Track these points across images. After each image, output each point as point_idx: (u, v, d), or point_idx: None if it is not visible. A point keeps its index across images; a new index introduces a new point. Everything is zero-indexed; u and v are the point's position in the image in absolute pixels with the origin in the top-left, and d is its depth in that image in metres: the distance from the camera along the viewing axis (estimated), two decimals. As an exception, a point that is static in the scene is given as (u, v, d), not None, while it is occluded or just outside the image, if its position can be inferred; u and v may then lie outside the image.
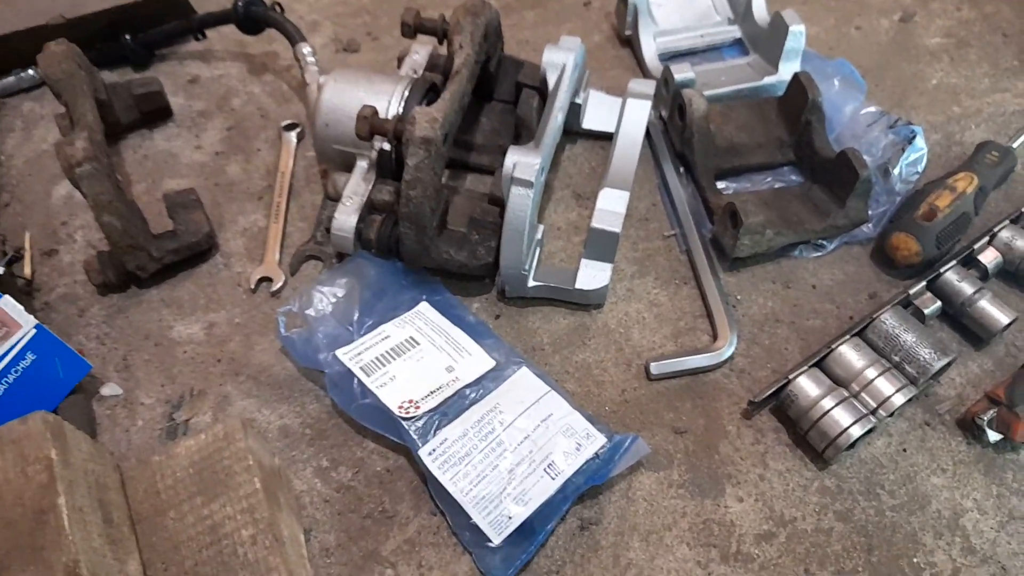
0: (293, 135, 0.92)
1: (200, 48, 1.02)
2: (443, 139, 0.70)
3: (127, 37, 0.97)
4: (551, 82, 0.78)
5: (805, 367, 0.68)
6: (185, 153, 0.92)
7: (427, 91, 0.80)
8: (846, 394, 0.66)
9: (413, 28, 0.79)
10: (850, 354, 0.68)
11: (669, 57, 0.94)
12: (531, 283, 0.75)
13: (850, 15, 0.99)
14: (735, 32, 0.95)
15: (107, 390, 0.72)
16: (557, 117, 0.76)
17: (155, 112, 0.94)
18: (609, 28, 1.00)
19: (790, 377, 0.67)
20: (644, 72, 0.94)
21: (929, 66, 0.93)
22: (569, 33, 1.00)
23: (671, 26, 0.95)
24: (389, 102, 0.77)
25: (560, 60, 0.78)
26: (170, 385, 0.73)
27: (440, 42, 0.81)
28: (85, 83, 0.85)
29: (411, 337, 0.72)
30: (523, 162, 0.70)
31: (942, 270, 0.73)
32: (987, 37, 0.96)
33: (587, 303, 0.77)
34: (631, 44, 0.96)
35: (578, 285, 0.75)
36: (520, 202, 0.69)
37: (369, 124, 0.71)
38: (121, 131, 0.93)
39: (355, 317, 0.74)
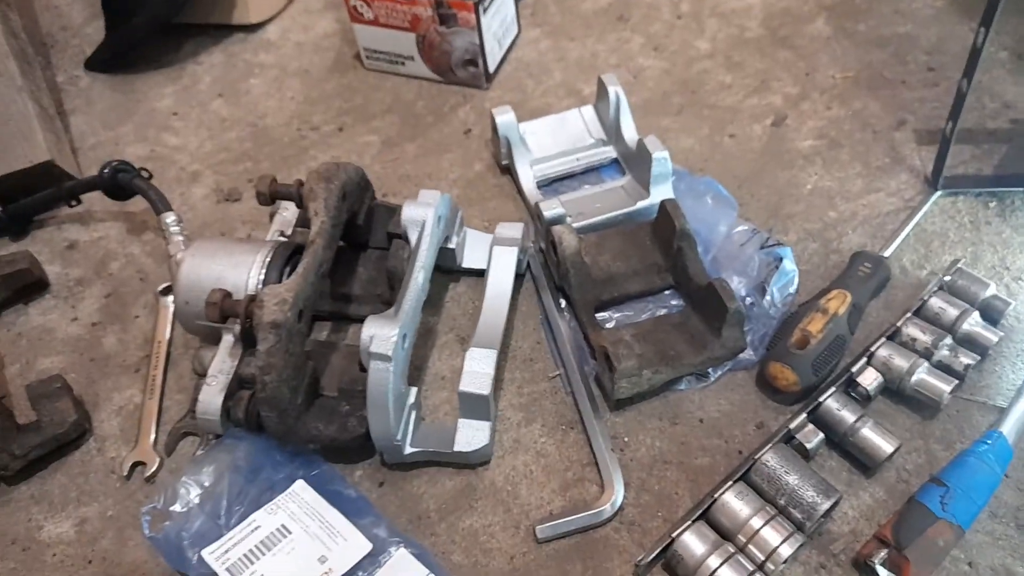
0: (170, 299, 0.89)
1: (80, 211, 1.00)
2: (297, 317, 0.68)
3: (-1, 209, 0.95)
4: (412, 239, 0.76)
5: (689, 521, 0.65)
6: (61, 327, 0.89)
7: (291, 256, 0.78)
8: (732, 549, 0.63)
9: (269, 196, 0.78)
10: (734, 503, 0.66)
11: (549, 182, 0.94)
12: (407, 451, 0.72)
13: (723, 123, 1.00)
14: (611, 152, 0.95)
15: (-42, 619, 0.68)
16: (419, 277, 0.74)
17: (28, 287, 0.91)
18: (489, 156, 1.00)
19: (673, 535, 0.65)
20: (524, 200, 0.93)
21: (803, 170, 0.94)
22: (450, 163, 1.01)
23: (546, 152, 0.95)
24: (249, 273, 0.75)
25: (420, 216, 0.77)
26: (30, 603, 0.68)
27: (298, 207, 0.80)
28: (-55, 272, 0.83)
29: (283, 525, 0.69)
30: (380, 335, 0.67)
31: (822, 399, 0.71)
32: (857, 135, 0.96)
33: (470, 463, 0.74)
34: (510, 171, 0.96)
35: (457, 448, 0.72)
36: (380, 376, 0.67)
37: (219, 309, 0.69)
38: (-9, 312, 0.90)
39: (224, 507, 0.70)
